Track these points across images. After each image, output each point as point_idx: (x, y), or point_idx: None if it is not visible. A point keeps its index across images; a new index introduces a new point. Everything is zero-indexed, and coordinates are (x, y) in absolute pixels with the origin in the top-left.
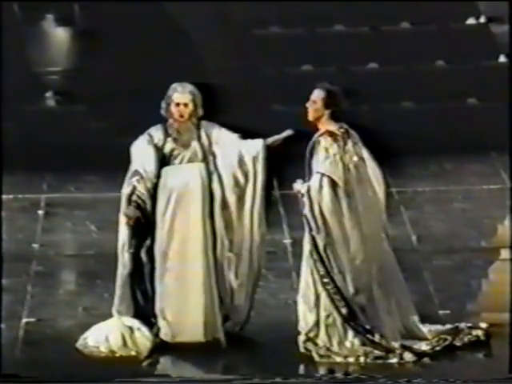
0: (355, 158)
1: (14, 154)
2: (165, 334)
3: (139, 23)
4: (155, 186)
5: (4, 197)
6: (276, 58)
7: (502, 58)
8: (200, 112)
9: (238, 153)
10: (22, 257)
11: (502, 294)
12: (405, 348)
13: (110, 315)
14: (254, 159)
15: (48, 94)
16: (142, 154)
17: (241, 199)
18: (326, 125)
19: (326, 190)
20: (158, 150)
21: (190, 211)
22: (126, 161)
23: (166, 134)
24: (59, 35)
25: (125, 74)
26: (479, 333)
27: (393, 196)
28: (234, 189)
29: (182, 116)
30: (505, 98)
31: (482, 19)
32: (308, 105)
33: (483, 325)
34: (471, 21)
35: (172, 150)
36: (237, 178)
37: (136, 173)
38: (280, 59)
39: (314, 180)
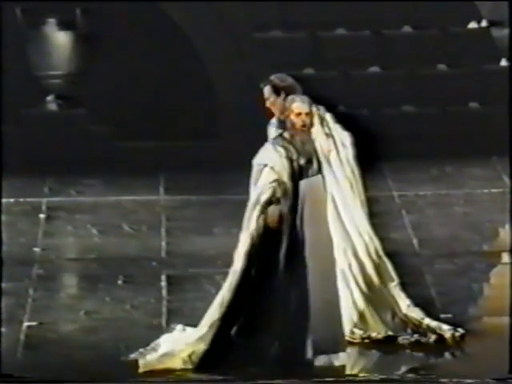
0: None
1: (15, 158)
2: None
3: (141, 27)
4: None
5: (5, 200)
6: (277, 62)
7: (504, 62)
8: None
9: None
10: (23, 260)
11: (504, 298)
12: None
13: (112, 319)
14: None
15: (49, 98)
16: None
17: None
18: None
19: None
20: (293, 162)
21: (318, 223)
22: (127, 164)
23: (295, 147)
24: (61, 39)
25: (126, 78)
26: (447, 335)
27: (394, 200)
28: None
29: (304, 126)
30: (506, 102)
31: (484, 23)
32: (268, 106)
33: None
34: (473, 25)
35: (302, 163)
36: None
37: (273, 180)
38: (281, 63)
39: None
